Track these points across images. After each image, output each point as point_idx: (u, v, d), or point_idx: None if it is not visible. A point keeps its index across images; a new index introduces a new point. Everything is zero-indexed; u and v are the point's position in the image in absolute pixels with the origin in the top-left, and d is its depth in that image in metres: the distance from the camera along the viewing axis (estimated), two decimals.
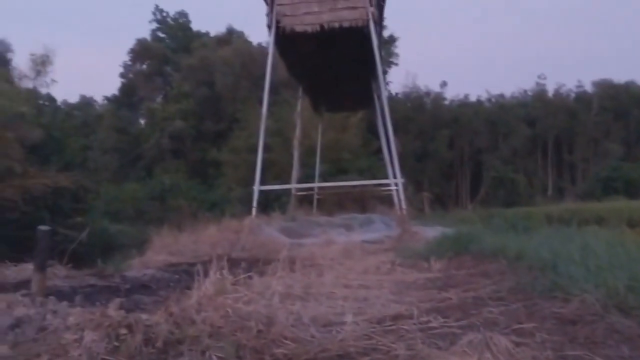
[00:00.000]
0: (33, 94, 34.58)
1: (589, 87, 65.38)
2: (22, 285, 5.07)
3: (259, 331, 3.19)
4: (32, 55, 32.53)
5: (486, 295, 4.52)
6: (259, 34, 61.33)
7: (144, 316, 3.22)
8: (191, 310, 3.34)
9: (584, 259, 4.68)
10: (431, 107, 61.18)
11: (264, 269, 5.29)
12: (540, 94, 65.64)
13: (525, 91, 67.36)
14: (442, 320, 3.67)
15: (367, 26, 14.99)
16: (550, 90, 65.87)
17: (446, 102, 63.50)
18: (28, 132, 26.18)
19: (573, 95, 65.95)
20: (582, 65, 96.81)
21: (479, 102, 65.29)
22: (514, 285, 4.79)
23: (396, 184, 16.10)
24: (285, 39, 15.90)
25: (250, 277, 4.74)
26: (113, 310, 3.29)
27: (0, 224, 23.13)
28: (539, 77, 66.54)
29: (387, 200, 21.92)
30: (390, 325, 3.61)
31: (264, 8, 16.18)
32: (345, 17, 15.10)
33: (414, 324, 3.60)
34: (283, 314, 3.61)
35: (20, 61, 54.98)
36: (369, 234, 13.64)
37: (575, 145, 61.99)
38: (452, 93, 67.92)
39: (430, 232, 12.07)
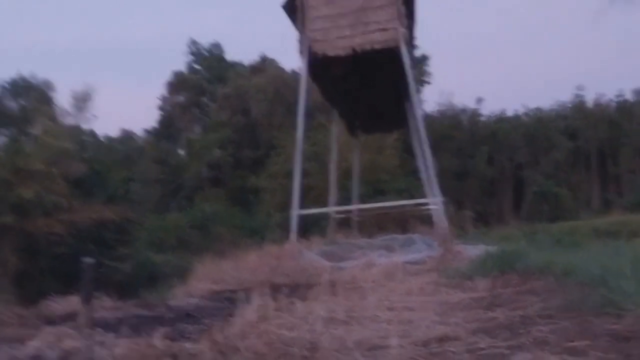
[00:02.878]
0: (76, 130, 35.68)
1: (630, 96, 63.83)
2: (69, 317, 5.17)
3: (303, 357, 3.17)
4: (74, 92, 33.66)
5: (534, 314, 4.39)
6: (292, 60, 62.04)
7: (188, 345, 3.24)
8: (235, 338, 3.34)
9: (635, 273, 4.50)
10: (468, 124, 60.60)
11: (306, 294, 5.27)
12: (579, 106, 64.35)
13: (564, 103, 66.25)
14: (489, 340, 3.57)
15: (398, 47, 15.00)
16: (590, 101, 64.56)
17: (483, 119, 62.80)
18: (72, 168, 26.92)
19: (614, 105, 64.44)
20: (621, 73, 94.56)
21: (516, 116, 64.28)
22: (563, 302, 4.63)
23: (436, 203, 15.90)
24: (317, 63, 16.02)
25: (292, 303, 4.73)
26: (158, 340, 3.32)
27: (48, 258, 23.79)
28: (577, 88, 65.37)
29: (427, 220, 21.67)
30: (436, 348, 3.54)
31: (296, 34, 16.39)
32: (376, 39, 15.14)
33: (461, 345, 3.51)
34: (327, 339, 3.58)
35: (63, 99, 56.99)
36: (411, 254, 13.45)
37: (620, 156, 60.35)
38: (488, 109, 66.99)
39: (474, 250, 11.83)
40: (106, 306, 6.28)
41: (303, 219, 17.92)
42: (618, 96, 64.32)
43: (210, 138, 52.77)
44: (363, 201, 25.47)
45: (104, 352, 3.35)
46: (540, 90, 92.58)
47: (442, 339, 3.76)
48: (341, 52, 15.34)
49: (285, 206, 26.22)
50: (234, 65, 63.79)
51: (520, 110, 65.09)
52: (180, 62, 78.96)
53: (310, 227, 21.68)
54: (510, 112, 64.11)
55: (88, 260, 4.79)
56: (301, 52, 15.95)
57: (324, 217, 23.06)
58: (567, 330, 3.67)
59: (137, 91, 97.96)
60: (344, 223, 23.28)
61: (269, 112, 51.05)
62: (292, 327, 3.80)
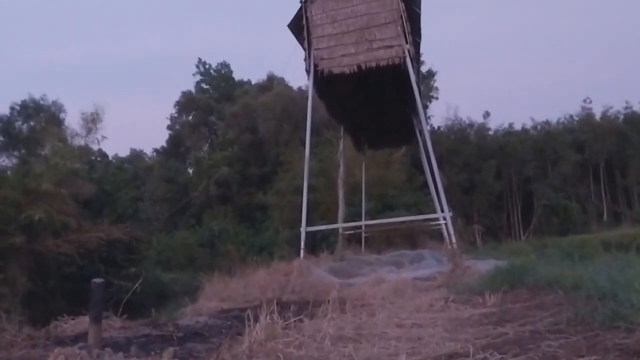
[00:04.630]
0: (85, 150, 35.92)
1: (637, 108, 63.62)
2: (79, 338, 5.18)
3: None
4: (83, 113, 33.92)
5: (544, 328, 4.35)
6: (299, 78, 62.55)
7: None
8: (243, 357, 3.34)
9: None
10: (475, 138, 60.55)
11: (315, 311, 5.25)
12: (587, 118, 64.24)
13: (571, 116, 66.17)
14: (499, 356, 3.55)
15: (404, 63, 15.08)
16: (598, 113, 64.47)
17: (490, 132, 62.80)
18: (81, 188, 27.05)
19: (622, 117, 64.22)
20: (629, 85, 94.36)
21: (524, 130, 64.29)
22: (572, 316, 4.59)
23: (444, 218, 15.86)
24: (324, 81, 16.14)
25: (300, 320, 4.72)
26: (167, 359, 3.33)
27: (58, 278, 23.82)
28: (584, 101, 65.36)
29: (436, 235, 21.61)
30: None
31: (302, 53, 16.55)
32: (381, 56, 15.24)
33: None
34: (335, 357, 3.57)
35: (72, 120, 57.48)
36: (420, 270, 13.43)
37: (629, 168, 59.97)
38: (495, 123, 67.00)
39: (483, 265, 11.79)
40: (115, 326, 6.29)
41: (311, 235, 17.93)
42: (626, 108, 64.24)
43: (218, 156, 53.03)
44: (371, 217, 25.43)
45: None
46: (547, 104, 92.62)
47: (451, 356, 3.74)
48: (346, 70, 15.46)
49: (293, 222, 26.26)
50: (242, 84, 64.29)
51: (528, 124, 65.18)
52: (189, 81, 79.80)
53: (318, 243, 21.66)
54: (518, 126, 64.20)
55: (97, 280, 4.81)
56: (307, 70, 16.09)
57: (333, 233, 23.04)
58: (577, 345, 3.64)
59: (147, 110, 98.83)
60: (353, 239, 23.24)
61: (276, 130, 51.30)
62: (301, 345, 3.79)
